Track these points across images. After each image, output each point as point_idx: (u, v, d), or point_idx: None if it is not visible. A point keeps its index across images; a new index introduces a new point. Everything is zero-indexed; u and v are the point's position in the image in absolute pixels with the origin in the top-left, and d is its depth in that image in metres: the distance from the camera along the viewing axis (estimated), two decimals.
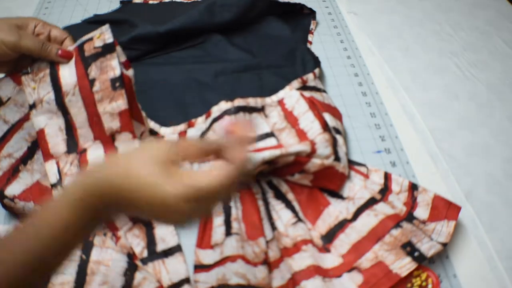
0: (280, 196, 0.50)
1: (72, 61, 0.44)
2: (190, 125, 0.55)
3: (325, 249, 0.46)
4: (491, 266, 0.47)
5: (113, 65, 0.43)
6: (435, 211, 0.47)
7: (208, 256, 0.44)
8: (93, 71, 0.43)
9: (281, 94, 0.56)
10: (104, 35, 0.44)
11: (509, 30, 0.77)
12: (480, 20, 0.79)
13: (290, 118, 0.53)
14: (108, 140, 0.45)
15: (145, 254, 0.44)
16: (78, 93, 0.43)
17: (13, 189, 0.46)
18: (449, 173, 0.55)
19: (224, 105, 0.52)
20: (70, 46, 0.44)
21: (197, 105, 0.59)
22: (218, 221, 0.46)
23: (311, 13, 0.77)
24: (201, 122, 0.55)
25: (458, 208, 0.47)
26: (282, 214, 0.48)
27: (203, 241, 0.46)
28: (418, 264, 0.43)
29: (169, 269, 0.43)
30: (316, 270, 0.42)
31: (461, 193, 0.53)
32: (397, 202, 0.49)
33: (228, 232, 0.45)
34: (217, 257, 0.44)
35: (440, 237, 0.45)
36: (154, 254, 0.44)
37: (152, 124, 0.54)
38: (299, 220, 0.47)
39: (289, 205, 0.49)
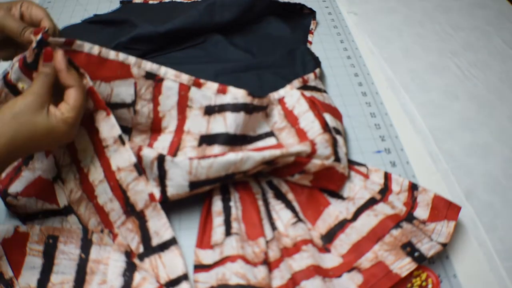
0: (280, 196, 0.50)
1: (20, 73, 0.42)
2: (196, 84, 0.50)
3: (325, 249, 0.46)
4: (491, 266, 0.47)
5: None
6: (435, 211, 0.47)
7: (208, 256, 0.44)
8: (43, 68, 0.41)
9: (281, 92, 0.55)
10: (36, 37, 0.41)
11: (509, 30, 0.77)
12: (480, 20, 0.79)
13: (290, 118, 0.53)
14: (89, 122, 0.45)
15: (141, 249, 0.44)
16: None
17: (16, 186, 0.47)
18: (449, 173, 0.55)
19: (242, 96, 0.50)
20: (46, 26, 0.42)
21: None
22: (218, 221, 0.46)
23: (311, 13, 0.77)
24: (210, 88, 0.50)
25: (458, 208, 0.47)
26: (282, 214, 0.48)
27: (203, 241, 0.46)
28: (418, 264, 0.43)
29: (166, 264, 0.43)
30: (316, 270, 0.42)
31: (461, 193, 0.53)
32: (397, 202, 0.49)
33: (228, 232, 0.45)
34: (217, 257, 0.44)
35: (440, 238, 0.45)
36: (149, 249, 0.44)
37: (149, 66, 0.49)
38: (299, 220, 0.47)
39: (289, 205, 0.49)
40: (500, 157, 0.57)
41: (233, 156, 0.45)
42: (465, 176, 0.55)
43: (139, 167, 0.45)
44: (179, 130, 0.50)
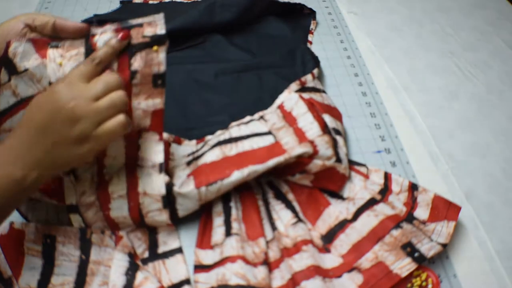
0: (280, 196, 0.50)
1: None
2: (176, 141, 0.53)
3: (325, 249, 0.46)
4: (491, 266, 0.47)
5: (160, 60, 0.40)
6: (435, 211, 0.47)
7: (208, 257, 0.44)
8: (136, 62, 0.39)
9: (279, 100, 0.56)
10: (156, 24, 0.40)
11: (509, 30, 0.77)
12: (480, 20, 0.79)
13: (289, 118, 0.53)
14: (132, 135, 0.43)
15: (146, 255, 0.44)
16: None
17: None
18: (449, 173, 0.55)
19: (220, 132, 0.53)
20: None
21: (197, 105, 0.59)
22: (218, 222, 0.46)
23: (311, 13, 0.77)
24: (189, 144, 0.53)
25: (458, 208, 0.47)
26: (282, 214, 0.48)
27: (203, 242, 0.46)
28: (418, 265, 0.43)
29: (169, 269, 0.43)
30: (316, 271, 0.42)
31: (461, 193, 0.53)
32: (397, 202, 0.48)
33: (228, 233, 0.45)
34: (217, 258, 0.44)
35: (440, 238, 0.45)
36: (154, 256, 0.44)
37: None
38: (299, 220, 0.47)
39: (289, 205, 0.49)
40: (500, 157, 0.57)
41: (239, 174, 0.45)
42: (465, 176, 0.55)
43: (166, 200, 0.43)
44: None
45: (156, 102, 0.42)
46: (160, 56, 0.40)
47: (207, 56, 0.67)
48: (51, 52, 0.40)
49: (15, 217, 0.47)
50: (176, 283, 0.42)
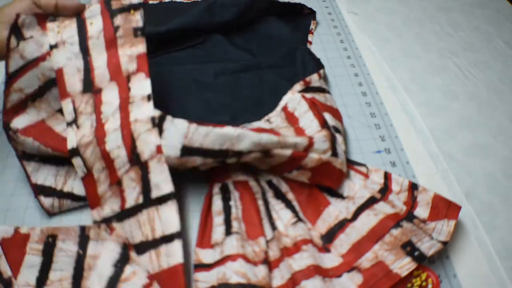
0: (280, 196, 0.50)
1: (99, 12, 0.49)
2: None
3: (325, 249, 0.46)
4: (491, 266, 0.47)
5: (137, 18, 0.49)
6: (435, 210, 0.47)
7: (208, 256, 0.44)
8: (118, 20, 0.48)
9: (283, 101, 0.56)
10: None
11: (509, 30, 0.77)
12: (480, 20, 0.79)
13: (291, 119, 0.53)
14: (123, 81, 0.48)
15: (140, 200, 0.44)
16: (102, 37, 0.48)
17: (18, 122, 0.48)
18: (449, 173, 0.55)
19: None
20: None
21: (197, 105, 0.59)
22: (218, 221, 0.46)
23: (311, 13, 0.77)
24: None
25: (458, 208, 0.47)
26: (282, 214, 0.48)
27: (203, 241, 0.46)
28: (418, 264, 0.43)
29: (162, 218, 0.43)
30: (316, 270, 0.42)
31: (461, 193, 0.53)
32: (397, 201, 0.48)
33: (228, 232, 0.45)
34: (217, 257, 0.44)
35: (441, 236, 0.45)
36: (149, 201, 0.44)
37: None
38: (299, 220, 0.47)
39: (289, 205, 0.49)
40: (500, 157, 0.57)
41: (231, 130, 0.45)
42: (465, 176, 0.55)
43: (155, 121, 0.46)
44: None
45: (139, 48, 0.49)
46: (137, 16, 0.49)
47: (207, 56, 0.67)
48: (50, 25, 0.48)
49: (19, 223, 0.48)
50: (167, 234, 0.42)
